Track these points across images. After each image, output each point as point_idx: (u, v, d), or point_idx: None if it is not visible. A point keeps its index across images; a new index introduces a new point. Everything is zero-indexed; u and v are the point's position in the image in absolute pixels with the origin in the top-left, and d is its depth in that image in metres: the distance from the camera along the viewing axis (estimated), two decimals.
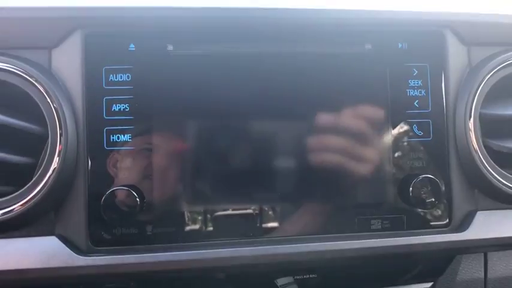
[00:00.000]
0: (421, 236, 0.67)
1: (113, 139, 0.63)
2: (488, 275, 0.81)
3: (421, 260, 0.79)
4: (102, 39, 0.63)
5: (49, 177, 0.59)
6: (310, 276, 0.79)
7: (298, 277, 0.79)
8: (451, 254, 0.78)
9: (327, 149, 0.66)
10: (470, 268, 0.81)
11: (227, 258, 0.62)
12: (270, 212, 0.66)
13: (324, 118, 0.66)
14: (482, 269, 0.81)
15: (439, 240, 0.67)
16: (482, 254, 0.80)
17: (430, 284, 0.81)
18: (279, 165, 0.65)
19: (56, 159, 0.59)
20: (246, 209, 0.65)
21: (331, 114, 0.66)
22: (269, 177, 0.65)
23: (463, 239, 0.67)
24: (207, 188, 0.65)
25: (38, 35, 0.63)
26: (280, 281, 0.79)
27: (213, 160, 0.65)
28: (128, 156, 0.63)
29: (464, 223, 0.69)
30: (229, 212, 0.65)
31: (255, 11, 0.65)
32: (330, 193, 0.66)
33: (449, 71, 0.70)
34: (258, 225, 0.65)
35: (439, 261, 0.80)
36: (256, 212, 0.65)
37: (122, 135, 0.63)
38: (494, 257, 0.81)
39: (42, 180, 0.59)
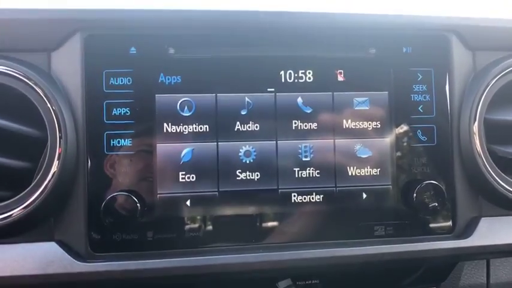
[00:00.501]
0: (425, 243, 0.66)
1: (113, 143, 0.62)
2: (491, 281, 0.81)
3: (424, 265, 0.79)
4: (103, 42, 0.62)
5: (49, 181, 0.58)
6: (312, 282, 0.79)
7: (300, 282, 0.78)
8: (455, 260, 0.77)
9: (330, 153, 0.65)
10: (472, 273, 0.81)
11: (229, 264, 0.62)
12: (272, 218, 0.65)
13: (328, 121, 0.66)
14: (485, 275, 0.81)
15: (443, 247, 0.66)
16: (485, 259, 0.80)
17: None
18: (282, 168, 0.65)
19: (55, 162, 0.59)
20: (247, 213, 0.64)
21: (335, 117, 0.66)
22: (272, 181, 0.65)
23: (466, 245, 0.67)
24: (209, 193, 0.64)
25: (37, 38, 0.62)
26: (281, 284, 0.78)
27: (215, 163, 0.64)
28: (128, 160, 0.62)
29: (468, 230, 0.68)
30: (231, 217, 0.64)
31: (258, 15, 0.64)
32: (333, 198, 0.66)
33: (454, 76, 0.69)
34: (259, 230, 0.64)
35: (442, 267, 0.80)
36: (258, 216, 0.64)
37: (123, 140, 0.62)
38: (496, 262, 0.81)
39: (41, 184, 0.58)
